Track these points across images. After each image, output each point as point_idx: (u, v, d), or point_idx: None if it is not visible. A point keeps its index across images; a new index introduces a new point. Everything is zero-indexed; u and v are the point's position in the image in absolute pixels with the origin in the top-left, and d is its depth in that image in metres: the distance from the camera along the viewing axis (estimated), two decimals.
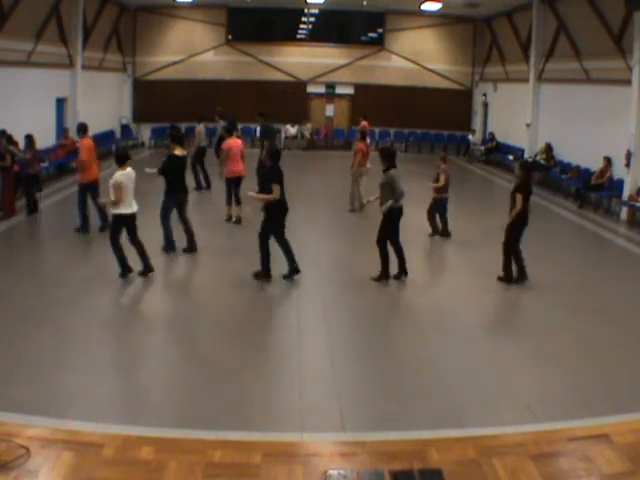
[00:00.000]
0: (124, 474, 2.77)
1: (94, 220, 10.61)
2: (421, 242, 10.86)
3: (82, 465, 2.78)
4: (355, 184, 12.99)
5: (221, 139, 15.33)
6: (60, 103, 17.41)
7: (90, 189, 10.42)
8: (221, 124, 18.32)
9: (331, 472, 2.78)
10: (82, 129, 10.80)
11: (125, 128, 22.43)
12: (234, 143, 11.59)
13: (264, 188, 8.56)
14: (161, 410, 5.25)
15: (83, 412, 4.99)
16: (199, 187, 14.55)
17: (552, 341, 6.89)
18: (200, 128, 15.29)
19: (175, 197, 9.41)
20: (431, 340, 6.95)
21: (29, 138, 12.21)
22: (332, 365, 6.19)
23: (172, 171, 9.35)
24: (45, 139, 15.99)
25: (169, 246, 9.54)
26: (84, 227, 10.48)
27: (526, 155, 18.60)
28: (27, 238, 10.94)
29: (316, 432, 4.92)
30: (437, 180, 10.74)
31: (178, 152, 9.47)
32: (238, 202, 11.58)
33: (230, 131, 12.20)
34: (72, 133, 17.23)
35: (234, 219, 11.60)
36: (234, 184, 11.48)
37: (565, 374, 6.09)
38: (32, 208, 11.71)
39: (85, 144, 10.58)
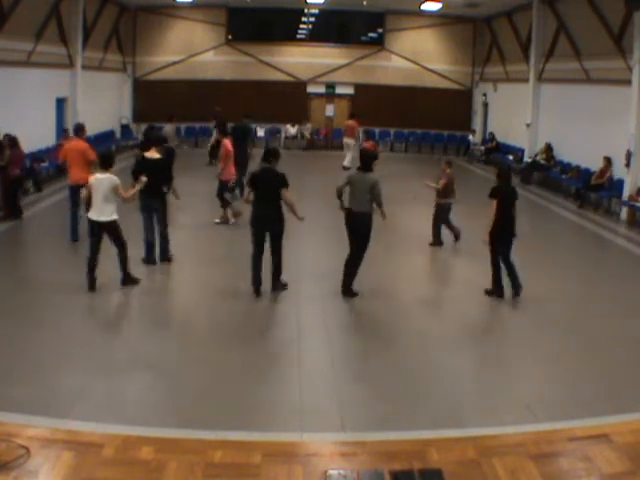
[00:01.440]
0: (124, 474, 2.77)
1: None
2: (418, 246, 10.81)
3: (82, 465, 2.78)
4: None
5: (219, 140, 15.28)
6: (60, 103, 17.41)
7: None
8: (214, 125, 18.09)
9: (331, 472, 2.78)
10: (81, 129, 10.56)
11: (125, 128, 22.44)
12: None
13: (269, 194, 7.75)
14: (161, 410, 5.25)
15: (83, 412, 4.99)
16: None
17: (552, 341, 6.89)
18: (167, 128, 15.15)
19: (143, 202, 8.91)
20: (431, 340, 6.95)
21: (12, 140, 11.61)
22: (332, 365, 6.19)
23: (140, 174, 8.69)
24: (45, 139, 16.02)
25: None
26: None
27: (526, 155, 18.62)
28: (22, 240, 10.94)
29: (316, 432, 4.92)
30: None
31: (148, 154, 9.09)
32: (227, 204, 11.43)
33: (227, 132, 11.93)
34: (72, 133, 17.30)
35: (233, 221, 11.50)
36: (229, 186, 11.35)
37: (565, 374, 6.09)
38: (15, 212, 11.34)
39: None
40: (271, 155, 7.92)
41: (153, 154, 9.03)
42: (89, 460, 2.82)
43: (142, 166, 8.89)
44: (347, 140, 18.94)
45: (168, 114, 15.83)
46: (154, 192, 8.76)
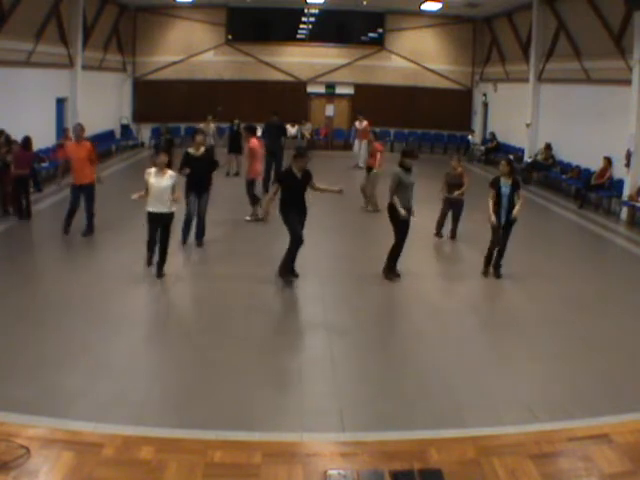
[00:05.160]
0: (124, 474, 2.76)
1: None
2: (421, 240, 10.82)
3: (82, 465, 2.77)
4: (373, 185, 13.15)
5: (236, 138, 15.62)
6: (60, 103, 17.41)
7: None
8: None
9: (331, 472, 2.77)
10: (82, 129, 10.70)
11: (125, 128, 22.43)
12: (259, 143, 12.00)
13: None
14: (161, 410, 5.25)
15: (83, 412, 4.99)
16: None
17: (552, 341, 6.89)
18: (211, 126, 15.37)
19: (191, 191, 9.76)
20: (431, 340, 6.95)
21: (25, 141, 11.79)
22: (332, 365, 6.19)
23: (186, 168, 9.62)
24: (45, 139, 16.02)
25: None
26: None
27: (526, 155, 18.62)
28: (22, 240, 10.93)
29: (316, 432, 4.92)
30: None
31: (192, 150, 9.69)
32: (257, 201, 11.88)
33: (253, 131, 12.24)
34: (72, 133, 17.30)
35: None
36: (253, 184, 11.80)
37: (565, 374, 6.09)
38: (22, 212, 11.47)
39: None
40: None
41: (198, 149, 9.64)
42: (89, 460, 2.81)
43: (187, 161, 9.61)
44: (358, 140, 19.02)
45: (205, 115, 16.22)
46: (201, 183, 9.70)
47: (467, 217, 11.15)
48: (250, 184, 11.65)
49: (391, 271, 8.74)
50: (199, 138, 9.79)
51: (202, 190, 9.78)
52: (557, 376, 6.06)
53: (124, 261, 9.23)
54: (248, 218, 11.82)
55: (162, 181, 8.11)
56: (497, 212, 8.73)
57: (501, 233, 8.80)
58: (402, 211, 8.37)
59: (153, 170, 8.15)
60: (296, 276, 8.48)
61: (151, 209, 8.23)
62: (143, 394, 5.49)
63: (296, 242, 8.22)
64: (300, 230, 8.24)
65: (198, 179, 9.64)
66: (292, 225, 8.22)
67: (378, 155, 13.30)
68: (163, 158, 8.16)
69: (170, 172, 8.21)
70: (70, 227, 10.41)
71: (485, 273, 9.03)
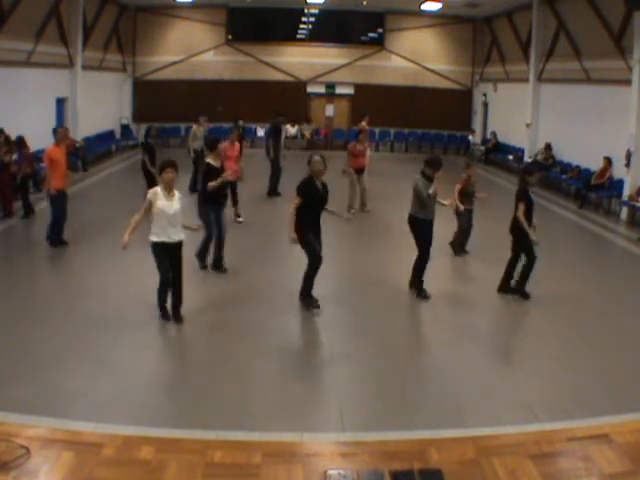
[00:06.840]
0: (124, 474, 2.77)
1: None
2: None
3: (82, 465, 2.77)
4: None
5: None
6: (60, 103, 17.42)
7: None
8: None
9: (331, 472, 2.78)
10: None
11: (125, 128, 22.44)
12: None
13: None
14: (161, 410, 5.25)
15: (83, 412, 4.99)
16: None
17: (552, 341, 6.89)
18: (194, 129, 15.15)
19: (215, 207, 8.73)
20: (431, 340, 6.96)
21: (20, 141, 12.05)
22: (332, 365, 6.19)
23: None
24: (45, 139, 16.00)
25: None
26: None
27: (526, 155, 18.62)
28: (22, 240, 10.94)
29: (316, 432, 4.92)
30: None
31: (212, 161, 8.73)
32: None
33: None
34: (72, 134, 17.30)
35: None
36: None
37: (565, 374, 6.09)
38: (27, 210, 11.68)
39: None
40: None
41: (216, 160, 8.73)
42: (89, 460, 2.81)
43: (211, 174, 8.53)
44: None
45: (196, 116, 16.00)
46: (222, 198, 8.77)
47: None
48: (235, 185, 11.57)
49: (422, 287, 8.17)
50: (221, 147, 8.92)
51: (221, 206, 8.77)
52: (557, 376, 6.06)
53: (124, 262, 9.21)
54: (240, 220, 11.79)
55: (173, 203, 6.68)
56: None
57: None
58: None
59: (160, 190, 6.66)
60: (317, 306, 7.61)
61: (162, 239, 6.70)
62: (143, 394, 5.49)
63: (316, 264, 7.48)
64: (319, 250, 7.46)
65: (220, 194, 8.64)
66: (312, 246, 7.40)
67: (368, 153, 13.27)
68: (170, 175, 6.59)
69: (177, 193, 6.81)
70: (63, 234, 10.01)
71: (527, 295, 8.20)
